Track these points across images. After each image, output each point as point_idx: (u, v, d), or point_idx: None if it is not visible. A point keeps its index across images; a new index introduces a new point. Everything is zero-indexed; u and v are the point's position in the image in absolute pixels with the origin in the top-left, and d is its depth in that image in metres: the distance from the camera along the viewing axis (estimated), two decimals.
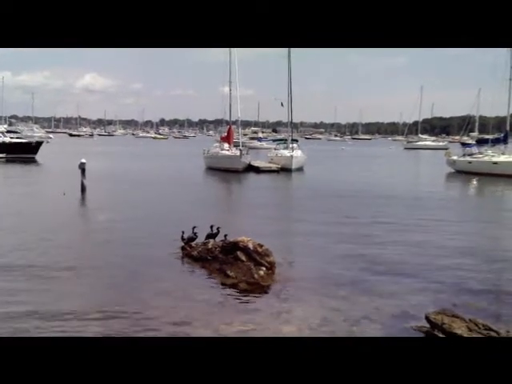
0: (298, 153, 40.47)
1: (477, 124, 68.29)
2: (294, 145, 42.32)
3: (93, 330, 7.30)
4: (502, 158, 36.55)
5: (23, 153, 42.08)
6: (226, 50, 40.75)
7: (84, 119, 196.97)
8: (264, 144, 79.49)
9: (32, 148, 44.01)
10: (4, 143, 43.26)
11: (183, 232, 11.89)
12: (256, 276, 9.92)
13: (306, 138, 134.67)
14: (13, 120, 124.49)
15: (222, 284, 9.78)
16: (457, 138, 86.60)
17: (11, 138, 46.70)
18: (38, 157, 43.33)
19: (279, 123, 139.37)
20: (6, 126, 67.41)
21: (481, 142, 41.49)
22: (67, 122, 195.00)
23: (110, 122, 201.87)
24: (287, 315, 8.23)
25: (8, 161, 39.56)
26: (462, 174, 36.85)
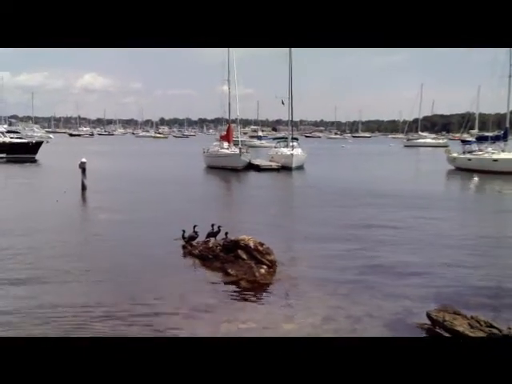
0: (298, 151, 40.41)
1: (477, 121, 68.06)
2: (294, 143, 42.26)
3: (96, 327, 7.38)
4: (502, 155, 36.46)
5: (23, 153, 42.12)
6: (225, 48, 40.80)
7: (84, 119, 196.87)
8: (264, 142, 79.55)
9: (32, 148, 44.05)
10: (4, 143, 43.32)
11: (184, 231, 11.90)
12: (257, 274, 9.93)
13: (306, 137, 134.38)
14: (13, 120, 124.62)
15: (223, 282, 9.79)
16: (457, 135, 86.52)
17: (11, 138, 46.76)
18: (38, 156, 43.36)
19: (279, 121, 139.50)
20: (6, 126, 67.60)
21: (481, 139, 41.34)
22: (67, 121, 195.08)
23: (109, 122, 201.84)
24: (288, 313, 8.23)
25: (8, 161, 39.56)
26: (462, 171, 36.86)
